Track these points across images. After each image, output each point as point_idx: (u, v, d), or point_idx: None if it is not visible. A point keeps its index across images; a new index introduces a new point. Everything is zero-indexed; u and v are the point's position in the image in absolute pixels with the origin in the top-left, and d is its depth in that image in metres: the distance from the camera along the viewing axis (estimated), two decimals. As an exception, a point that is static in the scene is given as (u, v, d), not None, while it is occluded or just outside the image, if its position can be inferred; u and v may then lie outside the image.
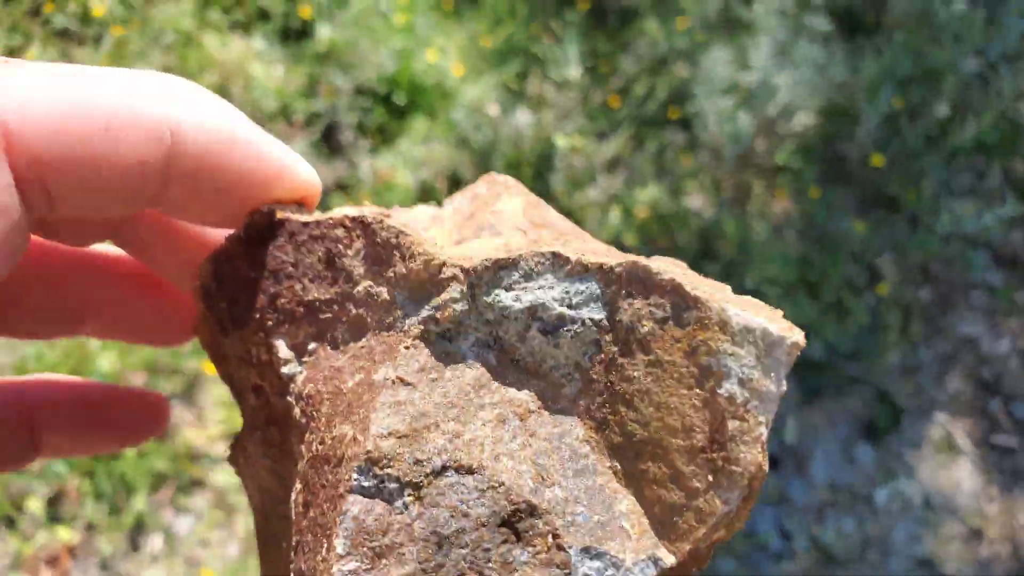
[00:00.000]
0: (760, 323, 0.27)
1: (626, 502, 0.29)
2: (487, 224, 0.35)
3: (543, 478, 0.28)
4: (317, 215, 0.33)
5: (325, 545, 0.28)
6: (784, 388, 0.27)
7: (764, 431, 0.27)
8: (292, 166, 0.32)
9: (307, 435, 0.31)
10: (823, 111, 1.97)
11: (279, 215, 0.32)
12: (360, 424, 0.29)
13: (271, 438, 0.34)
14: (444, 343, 0.31)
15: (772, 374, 0.27)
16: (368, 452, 0.28)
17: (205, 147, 0.29)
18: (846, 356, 1.87)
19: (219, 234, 0.35)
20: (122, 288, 0.38)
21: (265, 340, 0.33)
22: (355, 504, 0.27)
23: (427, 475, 0.28)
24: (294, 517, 0.30)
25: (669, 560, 0.28)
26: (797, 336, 0.27)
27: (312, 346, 0.32)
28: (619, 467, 0.29)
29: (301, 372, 0.32)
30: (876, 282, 2.00)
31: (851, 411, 1.84)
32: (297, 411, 0.32)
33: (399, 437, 0.28)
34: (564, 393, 0.30)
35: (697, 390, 0.28)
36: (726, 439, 0.27)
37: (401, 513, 0.27)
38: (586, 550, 0.28)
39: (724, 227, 1.94)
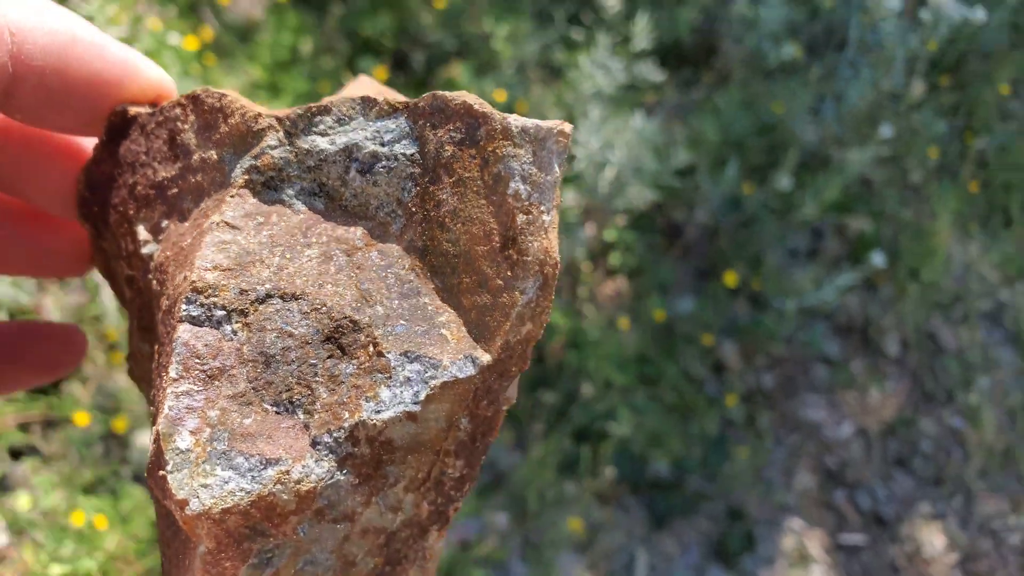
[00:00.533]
0: (532, 122, 0.29)
1: (447, 315, 0.30)
2: (326, 104, 0.33)
3: (366, 300, 0.30)
4: (164, 104, 0.34)
5: (163, 376, 0.29)
6: (558, 175, 0.29)
7: (547, 218, 0.29)
8: (137, 64, 0.34)
9: (161, 300, 0.32)
10: (658, 186, 1.75)
11: (131, 111, 0.35)
12: (189, 266, 0.30)
13: (145, 322, 0.35)
14: (270, 193, 0.32)
15: (547, 165, 0.29)
16: (193, 283, 0.29)
17: (47, 47, 0.31)
18: (693, 469, 1.71)
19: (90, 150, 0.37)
20: (3, 226, 0.38)
21: (129, 229, 0.34)
22: (185, 332, 0.29)
23: (252, 302, 0.29)
24: (153, 376, 0.31)
25: (485, 358, 0.29)
26: (565, 127, 0.30)
27: (164, 223, 0.34)
28: (440, 285, 0.31)
29: (157, 249, 0.34)
30: (719, 372, 1.84)
31: (703, 532, 1.69)
32: (155, 283, 0.33)
33: (223, 270, 0.29)
34: (391, 231, 0.32)
35: (492, 197, 0.30)
36: (516, 234, 0.29)
37: (230, 340, 0.29)
38: (405, 354, 0.29)
39: (554, 321, 1.70)
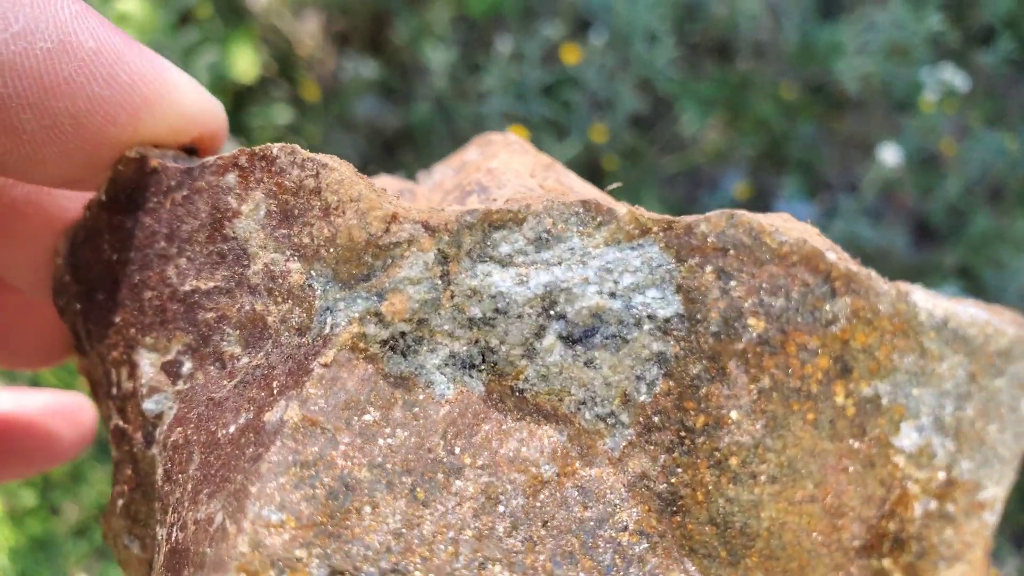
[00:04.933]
0: (977, 315, 0.16)
1: None
2: (476, 186, 0.22)
3: None
4: (207, 160, 0.22)
5: None
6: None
7: (989, 518, 0.15)
8: (167, 84, 0.22)
9: (169, 514, 0.20)
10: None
11: (153, 163, 0.23)
12: (235, 502, 0.17)
13: (137, 512, 0.23)
14: (395, 358, 0.19)
15: (1005, 408, 0.15)
16: (243, 557, 0.16)
17: (28, 59, 0.20)
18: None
19: (78, 208, 0.26)
20: None
21: (127, 356, 0.23)
22: None
23: None
24: None
25: None
26: None
27: (188, 367, 0.22)
28: None
29: (171, 408, 0.22)
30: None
31: None
32: (160, 470, 0.21)
33: (303, 527, 0.16)
34: (602, 448, 0.18)
35: (853, 442, 0.16)
36: (910, 532, 0.15)
37: None
38: None
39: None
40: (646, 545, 0.18)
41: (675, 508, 0.18)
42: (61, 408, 0.33)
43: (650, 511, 0.18)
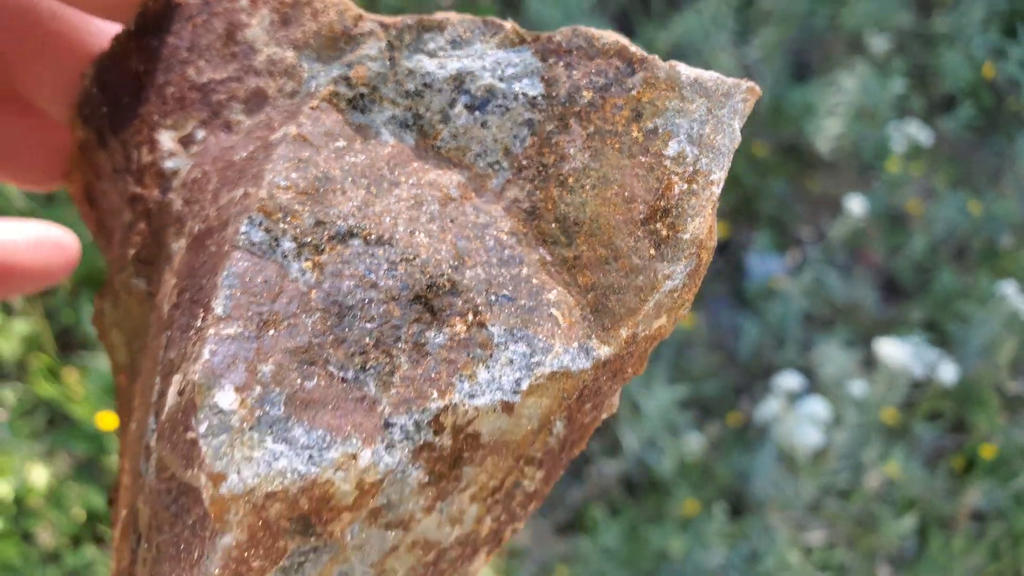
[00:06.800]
0: (711, 74, 0.25)
1: (555, 292, 0.25)
2: (441, 19, 0.28)
3: (463, 260, 0.25)
4: None
5: (201, 315, 0.23)
6: (738, 139, 0.25)
7: (716, 190, 0.24)
8: None
9: (188, 223, 0.26)
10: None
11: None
12: (253, 180, 0.25)
13: (148, 256, 0.28)
14: (356, 114, 0.27)
15: (725, 126, 0.25)
16: (262, 200, 0.24)
17: None
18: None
19: (107, 42, 0.30)
20: None
21: (148, 136, 0.28)
22: (241, 261, 0.23)
23: (330, 239, 0.24)
24: (166, 313, 0.25)
25: (604, 351, 0.24)
26: (753, 85, 0.25)
27: (201, 134, 0.28)
28: (548, 257, 0.26)
29: (186, 165, 0.28)
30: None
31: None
32: (179, 202, 0.27)
33: (299, 192, 0.24)
34: (490, 186, 0.27)
35: (641, 157, 0.25)
36: (672, 204, 0.25)
37: (296, 280, 0.23)
38: (511, 332, 0.24)
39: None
40: (515, 239, 0.26)
41: (534, 216, 0.26)
42: (48, 236, 0.35)
43: (518, 221, 0.26)
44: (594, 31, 0.26)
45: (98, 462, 1.41)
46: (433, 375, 0.23)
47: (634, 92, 0.25)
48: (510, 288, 0.25)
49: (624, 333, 0.24)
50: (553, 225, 0.26)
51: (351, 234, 0.24)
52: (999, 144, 2.05)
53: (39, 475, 1.35)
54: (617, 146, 0.25)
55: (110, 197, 0.30)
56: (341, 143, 0.26)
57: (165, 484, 0.24)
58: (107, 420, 1.30)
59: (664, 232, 0.24)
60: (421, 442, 0.23)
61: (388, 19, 0.28)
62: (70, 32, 0.30)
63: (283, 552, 0.23)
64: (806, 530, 1.49)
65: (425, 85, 0.27)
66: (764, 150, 2.01)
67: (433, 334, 0.24)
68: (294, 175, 0.24)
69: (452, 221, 0.25)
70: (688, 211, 0.24)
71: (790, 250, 1.98)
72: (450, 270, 0.24)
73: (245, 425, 0.22)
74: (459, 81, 0.27)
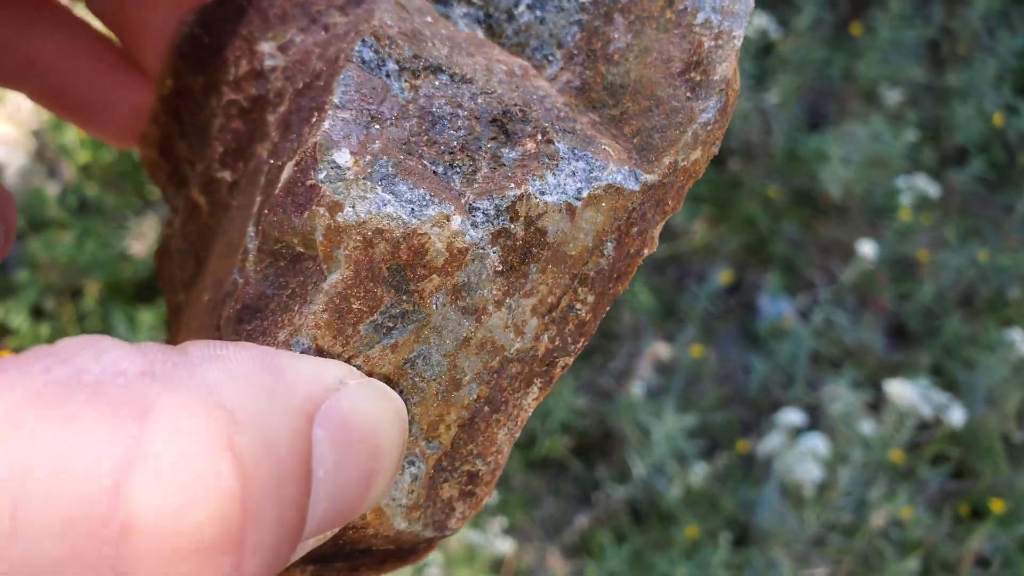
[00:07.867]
0: None
1: (606, 141, 0.29)
2: None
3: (530, 106, 0.28)
4: None
5: (316, 115, 0.27)
6: (752, 6, 0.29)
7: (737, 43, 0.29)
8: None
9: (288, 90, 0.30)
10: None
11: None
12: (365, 18, 0.28)
13: (237, 144, 0.31)
14: (438, 6, 0.31)
15: None
16: (373, 27, 0.27)
17: None
18: None
19: None
20: (80, 53, 0.34)
21: (249, 49, 0.31)
22: (355, 70, 0.27)
23: (424, 68, 0.28)
24: (267, 152, 0.29)
25: (650, 176, 0.28)
26: None
27: (299, 38, 0.31)
28: (597, 119, 0.30)
29: (284, 61, 0.31)
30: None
31: None
32: (278, 83, 0.30)
33: (400, 32, 0.28)
34: (545, 74, 0.31)
35: (675, 30, 0.29)
36: (703, 56, 0.29)
37: (396, 95, 0.27)
38: (573, 151, 0.28)
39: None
40: (568, 109, 0.30)
41: (584, 91, 0.31)
42: None
43: (570, 96, 0.30)
44: None
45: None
46: (509, 174, 0.27)
47: None
48: (570, 126, 0.29)
49: (667, 160, 0.28)
50: (602, 92, 0.30)
51: (440, 69, 0.28)
52: (1009, 198, 2.09)
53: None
54: (655, 26, 0.29)
55: (198, 119, 0.33)
56: (429, 19, 0.30)
57: (263, 272, 0.27)
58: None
59: (698, 78, 0.29)
60: (499, 227, 0.27)
61: None
62: None
63: (380, 301, 0.26)
64: (810, 565, 1.50)
65: None
66: (778, 194, 2.06)
67: (507, 151, 0.28)
68: (394, 19, 0.28)
69: (516, 88, 0.29)
70: (717, 59, 0.28)
71: (800, 293, 2.01)
72: (522, 103, 0.28)
73: (360, 176, 0.25)
74: None
